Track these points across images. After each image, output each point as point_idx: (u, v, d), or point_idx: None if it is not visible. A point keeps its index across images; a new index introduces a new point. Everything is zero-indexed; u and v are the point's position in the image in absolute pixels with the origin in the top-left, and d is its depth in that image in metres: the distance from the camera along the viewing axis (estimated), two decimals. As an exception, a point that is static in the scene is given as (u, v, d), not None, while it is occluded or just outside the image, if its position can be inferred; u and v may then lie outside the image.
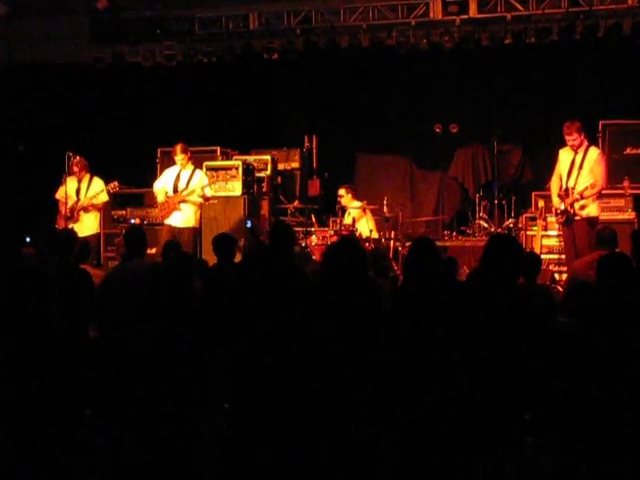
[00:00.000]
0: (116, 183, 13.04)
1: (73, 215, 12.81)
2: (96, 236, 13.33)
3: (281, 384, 5.84)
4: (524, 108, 15.92)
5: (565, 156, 11.48)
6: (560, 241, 12.19)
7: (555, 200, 11.37)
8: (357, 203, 14.42)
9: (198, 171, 12.79)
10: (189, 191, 12.48)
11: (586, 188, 11.12)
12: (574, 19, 14.68)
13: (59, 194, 13.10)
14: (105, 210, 13.96)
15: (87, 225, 12.90)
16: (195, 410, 6.20)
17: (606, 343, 5.60)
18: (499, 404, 5.60)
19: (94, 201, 12.92)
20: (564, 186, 11.32)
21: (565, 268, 11.89)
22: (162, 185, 12.76)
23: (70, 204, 12.83)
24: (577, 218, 11.18)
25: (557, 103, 15.29)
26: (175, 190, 12.56)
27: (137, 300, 7.00)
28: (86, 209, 12.92)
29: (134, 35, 16.30)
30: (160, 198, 12.65)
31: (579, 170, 11.24)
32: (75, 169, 12.96)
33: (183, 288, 6.57)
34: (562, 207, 11.23)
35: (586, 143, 11.38)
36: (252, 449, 5.91)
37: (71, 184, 13.00)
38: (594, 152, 11.37)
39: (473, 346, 5.61)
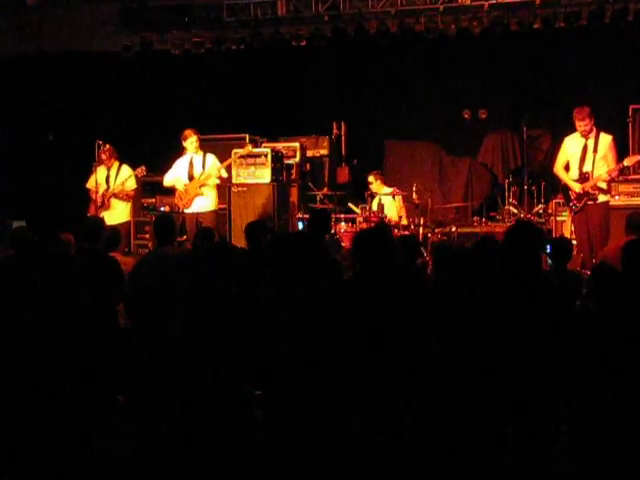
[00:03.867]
0: (143, 167, 13.19)
1: (104, 203, 12.91)
2: (127, 224, 13.39)
3: (312, 375, 5.85)
4: (553, 93, 15.85)
5: (574, 143, 11.38)
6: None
7: (575, 185, 11.28)
8: (387, 189, 14.40)
9: (209, 155, 12.83)
10: (206, 174, 12.55)
11: (608, 172, 11.15)
12: (604, 3, 14.54)
13: (90, 183, 13.21)
14: (135, 198, 14.05)
15: (118, 213, 13.00)
16: (226, 397, 6.22)
17: (631, 329, 5.59)
18: (528, 392, 5.61)
19: (124, 187, 13.00)
20: (577, 172, 11.27)
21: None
22: (174, 176, 12.82)
23: (101, 192, 12.93)
24: (599, 200, 11.15)
25: (587, 88, 15.23)
26: (191, 178, 12.62)
27: (167, 287, 7.04)
28: (117, 195, 13.01)
29: (163, 23, 16.31)
30: (179, 187, 12.71)
31: (594, 154, 11.19)
32: (103, 157, 13.04)
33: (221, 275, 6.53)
34: (580, 191, 11.19)
35: (595, 128, 11.31)
36: (285, 439, 5.92)
37: (101, 173, 13.10)
38: (607, 137, 11.30)
39: (500, 334, 5.62)
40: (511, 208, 14.65)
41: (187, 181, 12.69)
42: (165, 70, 16.84)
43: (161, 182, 13.50)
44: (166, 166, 13.39)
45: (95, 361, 5.69)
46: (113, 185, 13.03)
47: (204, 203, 12.63)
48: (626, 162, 11.44)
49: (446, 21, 15.27)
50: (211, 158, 12.81)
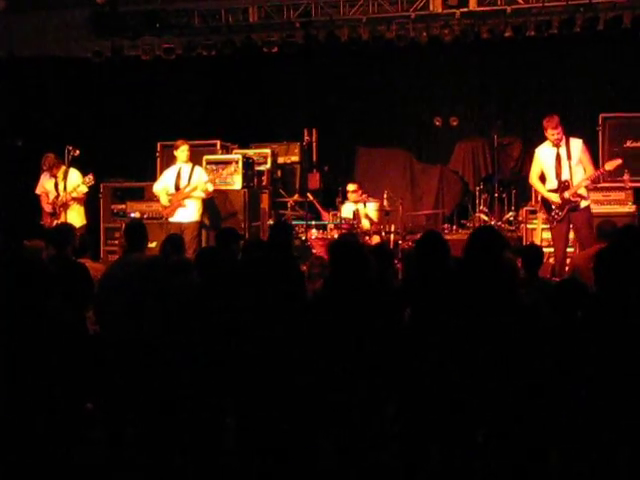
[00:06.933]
0: (91, 176, 12.80)
1: (56, 211, 12.69)
2: (83, 228, 13.08)
3: (284, 380, 5.83)
4: (524, 101, 15.95)
5: (546, 153, 11.31)
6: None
7: (552, 196, 11.24)
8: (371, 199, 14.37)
9: (197, 167, 12.79)
10: (192, 187, 12.48)
11: (588, 178, 11.16)
12: (574, 12, 14.64)
13: (39, 189, 13.02)
14: (105, 204, 13.95)
15: (71, 220, 12.60)
16: (194, 403, 6.19)
17: (601, 336, 5.60)
18: (497, 398, 5.62)
19: (74, 194, 12.77)
20: (555, 182, 11.25)
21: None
22: (162, 186, 12.71)
23: (51, 199, 12.74)
24: (582, 206, 11.14)
25: (557, 96, 15.32)
26: (177, 188, 12.56)
27: (137, 294, 6.99)
28: (66, 205, 12.79)
29: (133, 28, 16.26)
30: (163, 199, 12.60)
31: (568, 162, 11.17)
32: (48, 165, 12.80)
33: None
34: (560, 201, 11.16)
35: (564, 135, 11.30)
36: (257, 444, 5.90)
37: (49, 180, 12.86)
38: (578, 141, 11.28)
39: (471, 339, 5.65)
40: (482, 215, 14.67)
41: (174, 191, 12.57)
42: (136, 76, 16.77)
43: (131, 188, 13.42)
44: (137, 172, 13.33)
45: (65, 368, 5.64)
46: (62, 193, 12.80)
47: (187, 213, 12.53)
48: (607, 166, 11.37)
49: (417, 29, 15.33)
50: (198, 171, 12.70)
